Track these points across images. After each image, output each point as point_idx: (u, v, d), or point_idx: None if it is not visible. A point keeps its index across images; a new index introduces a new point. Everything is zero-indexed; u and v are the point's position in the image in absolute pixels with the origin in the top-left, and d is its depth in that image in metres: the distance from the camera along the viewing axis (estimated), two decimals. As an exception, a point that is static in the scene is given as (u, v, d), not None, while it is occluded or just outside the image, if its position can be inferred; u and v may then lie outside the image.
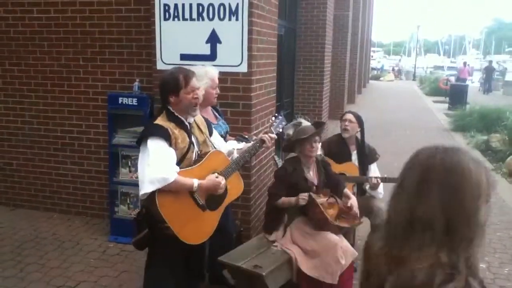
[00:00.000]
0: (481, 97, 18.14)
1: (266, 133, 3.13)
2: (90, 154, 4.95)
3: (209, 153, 2.72)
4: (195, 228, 2.62)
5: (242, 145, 3.16)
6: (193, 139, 2.69)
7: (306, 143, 3.43)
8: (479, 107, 12.35)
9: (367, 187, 4.17)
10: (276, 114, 3.27)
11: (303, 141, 3.42)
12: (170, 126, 2.57)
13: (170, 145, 2.52)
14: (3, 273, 3.83)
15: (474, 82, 28.53)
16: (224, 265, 3.36)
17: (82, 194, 5.09)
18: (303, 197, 3.30)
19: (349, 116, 4.17)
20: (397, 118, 12.95)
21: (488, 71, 25.40)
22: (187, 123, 2.68)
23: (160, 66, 4.04)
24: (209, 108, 3.37)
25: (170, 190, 2.48)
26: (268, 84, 4.43)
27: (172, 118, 2.62)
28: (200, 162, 2.65)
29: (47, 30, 4.83)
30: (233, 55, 3.88)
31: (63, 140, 5.04)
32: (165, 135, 2.51)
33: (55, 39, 4.83)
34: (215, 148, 2.85)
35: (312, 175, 3.55)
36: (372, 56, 37.45)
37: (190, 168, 2.60)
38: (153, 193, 2.45)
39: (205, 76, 3.21)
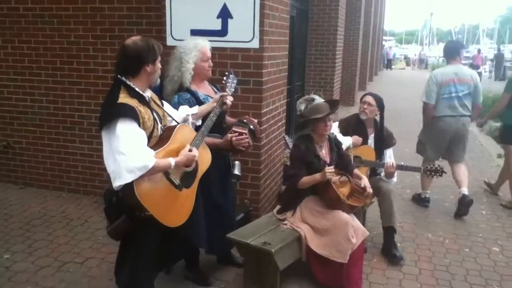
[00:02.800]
0: (494, 85, 17.83)
1: (222, 96, 2.96)
2: (99, 133, 4.90)
3: (175, 128, 2.52)
4: (176, 209, 2.49)
5: (195, 109, 2.96)
6: (155, 114, 2.48)
7: (320, 122, 3.35)
8: (492, 94, 12.13)
9: (382, 174, 4.08)
10: (226, 73, 3.05)
11: (317, 120, 3.35)
12: (135, 103, 2.31)
13: (140, 125, 2.28)
14: (12, 248, 3.84)
15: (487, 72, 28.36)
16: (231, 243, 3.32)
17: (91, 173, 5.08)
18: (330, 170, 3.21)
19: (369, 99, 4.04)
20: (409, 105, 12.76)
21: (498, 59, 25.76)
22: (147, 98, 2.47)
23: (170, 42, 3.97)
24: (206, 83, 3.28)
25: (145, 178, 2.27)
26: (280, 62, 4.34)
27: (133, 93, 2.35)
28: (169, 140, 2.45)
29: (57, 7, 4.77)
30: (244, 30, 3.79)
31: (72, 119, 5.01)
32: (135, 115, 2.25)
33: (64, 16, 4.77)
34: (175, 120, 2.69)
35: (324, 153, 3.48)
36: (384, 45, 36.86)
37: (162, 148, 2.40)
38: (129, 184, 2.20)
39: (194, 49, 3.08)
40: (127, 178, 2.19)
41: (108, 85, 4.71)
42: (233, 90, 3.08)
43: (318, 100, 3.48)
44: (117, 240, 2.56)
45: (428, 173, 4.05)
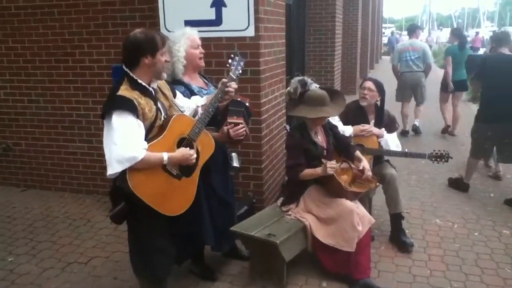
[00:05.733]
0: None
1: (227, 81, 2.83)
2: (99, 131, 4.84)
3: (171, 120, 2.49)
4: (175, 198, 2.49)
5: (204, 99, 2.90)
6: (159, 105, 2.49)
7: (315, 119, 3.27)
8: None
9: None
10: (232, 55, 2.90)
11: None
12: (135, 95, 2.34)
13: (137, 117, 2.31)
14: (16, 251, 3.80)
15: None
16: (236, 235, 3.26)
17: (92, 172, 5.03)
18: (331, 165, 3.13)
19: (369, 84, 3.95)
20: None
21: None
22: (151, 89, 2.48)
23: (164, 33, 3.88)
24: (198, 75, 3.19)
25: (140, 169, 2.31)
26: (278, 50, 4.25)
27: (135, 85, 2.39)
28: (165, 130, 2.44)
29: (48, 4, 4.70)
30: (239, 18, 3.70)
31: (70, 118, 4.95)
32: (132, 108, 2.29)
33: (57, 13, 4.70)
34: (181, 111, 2.66)
35: (320, 139, 3.40)
36: (384, 33, 36.47)
37: (157, 140, 2.41)
38: (123, 175, 2.28)
39: (183, 37, 3.00)
40: (116, 168, 2.27)
41: (104, 82, 4.69)
42: (239, 73, 2.90)
43: (311, 84, 3.36)
44: (118, 224, 2.62)
45: (433, 159, 3.94)
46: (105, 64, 4.64)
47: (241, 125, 2.91)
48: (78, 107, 4.90)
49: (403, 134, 7.58)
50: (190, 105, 2.83)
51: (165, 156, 2.39)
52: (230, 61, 2.90)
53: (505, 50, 5.06)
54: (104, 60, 4.65)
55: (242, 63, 2.93)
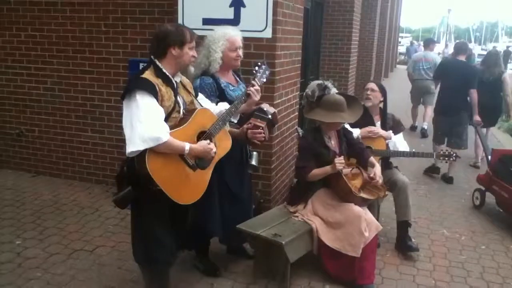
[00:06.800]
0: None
1: (252, 85, 2.92)
2: (111, 122, 4.90)
3: (196, 111, 2.58)
4: (187, 188, 2.53)
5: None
6: (179, 98, 2.55)
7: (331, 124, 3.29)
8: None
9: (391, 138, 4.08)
10: (259, 63, 3.03)
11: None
12: (157, 82, 2.41)
13: (157, 101, 2.37)
14: (24, 235, 3.84)
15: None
16: (244, 236, 3.27)
17: (103, 163, 5.07)
18: (340, 161, 3.15)
19: (371, 85, 4.05)
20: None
21: (506, 55, 25.69)
22: (174, 82, 2.54)
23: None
24: (230, 71, 3.24)
25: (159, 153, 2.35)
26: (294, 53, 4.26)
27: (160, 74, 2.46)
28: (188, 121, 2.52)
29: (70, -5, 4.76)
30: (257, 19, 3.71)
31: (84, 108, 5.00)
32: (154, 91, 2.35)
33: (77, 4, 4.76)
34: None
35: (333, 144, 3.41)
36: (400, 42, 36.26)
37: (178, 128, 2.47)
38: (142, 157, 2.31)
39: (222, 38, 3.06)
40: (139, 146, 2.29)
41: (120, 74, 4.74)
42: (264, 81, 3.04)
43: (331, 89, 3.39)
44: (121, 209, 2.65)
45: (441, 158, 4.10)
46: (122, 57, 4.69)
47: (261, 129, 2.95)
48: (93, 98, 4.94)
49: (412, 129, 8.97)
50: (215, 109, 2.87)
51: (187, 146, 2.44)
52: (256, 68, 3.00)
53: (462, 57, 6.18)
54: (120, 53, 4.70)
55: (267, 72, 3.06)
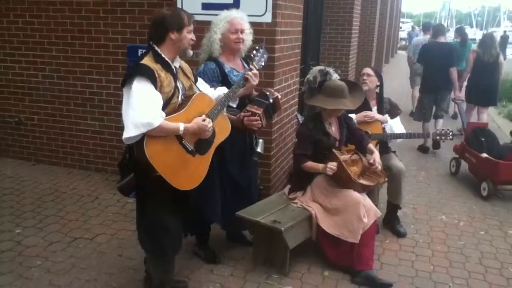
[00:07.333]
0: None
1: (250, 69, 2.90)
2: (110, 110, 4.88)
3: (193, 96, 2.57)
4: (187, 174, 2.53)
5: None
6: (178, 84, 2.54)
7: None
8: (511, 77, 11.84)
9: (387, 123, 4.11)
10: (257, 47, 3.00)
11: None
12: (156, 67, 2.41)
13: (156, 87, 2.37)
14: (24, 223, 3.85)
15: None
16: (244, 224, 3.28)
17: (102, 151, 5.06)
18: (332, 166, 3.14)
19: (367, 70, 4.06)
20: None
21: (503, 40, 25.50)
22: (173, 67, 2.53)
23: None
24: (238, 57, 3.21)
25: (158, 139, 2.37)
26: (293, 38, 4.22)
27: (159, 59, 2.46)
28: (186, 107, 2.51)
29: (67, -19, 4.71)
30: (257, 4, 3.68)
31: (83, 95, 4.98)
32: (152, 77, 2.36)
33: (74, -10, 4.71)
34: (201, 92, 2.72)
35: (334, 130, 3.39)
36: (401, 27, 35.97)
37: (176, 114, 2.47)
38: (141, 144, 2.33)
39: (224, 20, 3.04)
40: (131, 132, 2.31)
41: (118, 61, 4.70)
42: (262, 64, 3.01)
43: (333, 75, 3.36)
44: (126, 196, 2.72)
45: (438, 137, 4.20)
46: (120, 43, 4.64)
47: (257, 116, 2.92)
48: (92, 85, 4.91)
49: (411, 114, 8.71)
50: (214, 93, 2.85)
51: (181, 126, 2.43)
52: (254, 52, 2.97)
53: (441, 39, 6.71)
54: (119, 39, 4.66)
55: (266, 56, 3.03)
